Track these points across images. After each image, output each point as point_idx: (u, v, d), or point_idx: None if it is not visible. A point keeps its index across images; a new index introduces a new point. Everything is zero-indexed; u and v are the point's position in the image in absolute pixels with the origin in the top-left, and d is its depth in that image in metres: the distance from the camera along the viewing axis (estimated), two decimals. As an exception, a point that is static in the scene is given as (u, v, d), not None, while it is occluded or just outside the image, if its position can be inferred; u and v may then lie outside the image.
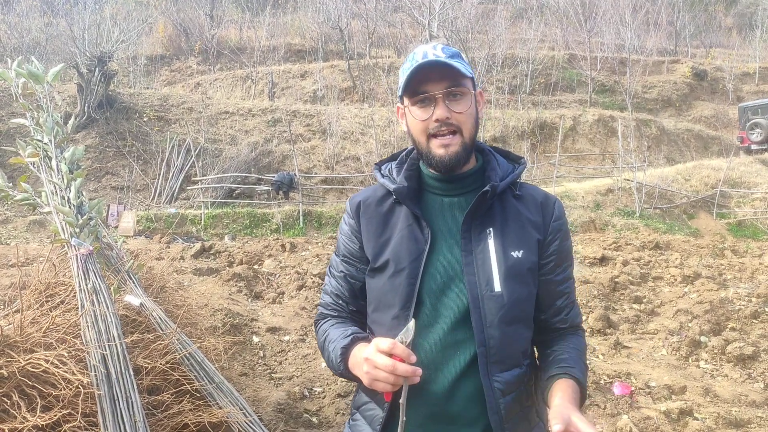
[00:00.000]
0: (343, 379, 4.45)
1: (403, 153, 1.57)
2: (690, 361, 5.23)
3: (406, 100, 1.42)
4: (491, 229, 1.41)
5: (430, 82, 1.37)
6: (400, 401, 1.23)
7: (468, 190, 1.46)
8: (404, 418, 1.23)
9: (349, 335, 1.40)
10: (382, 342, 1.21)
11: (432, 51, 1.38)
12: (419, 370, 1.21)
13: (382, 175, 1.54)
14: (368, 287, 1.49)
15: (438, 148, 1.39)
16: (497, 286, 1.36)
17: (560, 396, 1.29)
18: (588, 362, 1.53)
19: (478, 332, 1.35)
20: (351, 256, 1.52)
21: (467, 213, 1.40)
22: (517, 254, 1.39)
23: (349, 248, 1.53)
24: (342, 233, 1.56)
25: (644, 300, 6.82)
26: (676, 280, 7.59)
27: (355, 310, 1.54)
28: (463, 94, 1.39)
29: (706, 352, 5.28)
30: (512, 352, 1.38)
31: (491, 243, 1.39)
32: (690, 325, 5.84)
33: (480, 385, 1.35)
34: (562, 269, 1.47)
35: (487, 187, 1.40)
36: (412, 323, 1.22)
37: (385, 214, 1.49)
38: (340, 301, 1.54)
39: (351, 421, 1.52)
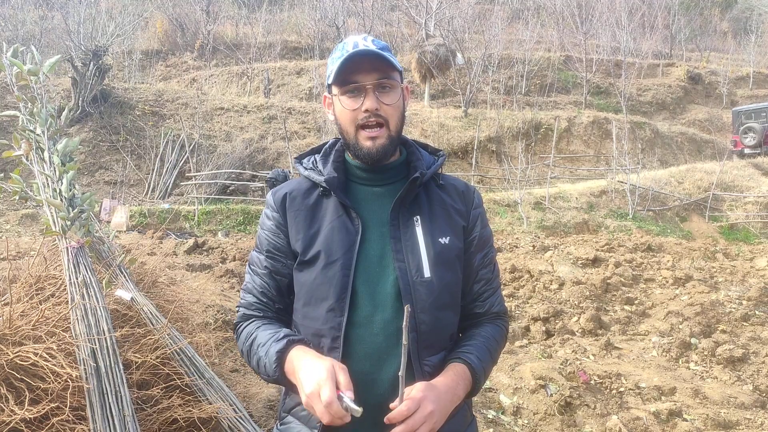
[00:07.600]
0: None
1: (327, 145, 1.56)
2: (680, 362, 5.25)
3: (335, 89, 1.42)
4: (418, 216, 1.43)
5: (361, 72, 1.37)
6: (399, 374, 1.22)
7: (394, 180, 1.48)
8: (403, 389, 1.23)
9: (283, 338, 1.34)
10: (324, 391, 1.17)
11: (363, 42, 1.39)
12: (348, 417, 1.18)
13: (305, 168, 1.52)
14: (297, 281, 1.45)
15: (365, 141, 1.40)
16: (427, 272, 1.38)
17: (437, 378, 1.31)
18: (499, 352, 1.51)
19: (410, 318, 1.35)
20: (276, 251, 1.48)
21: (396, 200, 1.42)
22: (444, 240, 1.43)
23: (274, 243, 1.48)
24: (264, 228, 1.51)
25: (636, 301, 6.85)
26: (667, 282, 7.62)
27: (281, 308, 1.49)
28: (392, 87, 1.41)
29: (696, 354, 5.31)
30: (442, 337, 1.42)
31: (419, 230, 1.42)
32: (681, 327, 5.87)
33: None
34: (482, 254, 1.52)
35: (416, 174, 1.42)
36: (359, 412, 1.18)
37: (313, 207, 1.47)
38: (266, 299, 1.48)
39: (279, 425, 1.47)
